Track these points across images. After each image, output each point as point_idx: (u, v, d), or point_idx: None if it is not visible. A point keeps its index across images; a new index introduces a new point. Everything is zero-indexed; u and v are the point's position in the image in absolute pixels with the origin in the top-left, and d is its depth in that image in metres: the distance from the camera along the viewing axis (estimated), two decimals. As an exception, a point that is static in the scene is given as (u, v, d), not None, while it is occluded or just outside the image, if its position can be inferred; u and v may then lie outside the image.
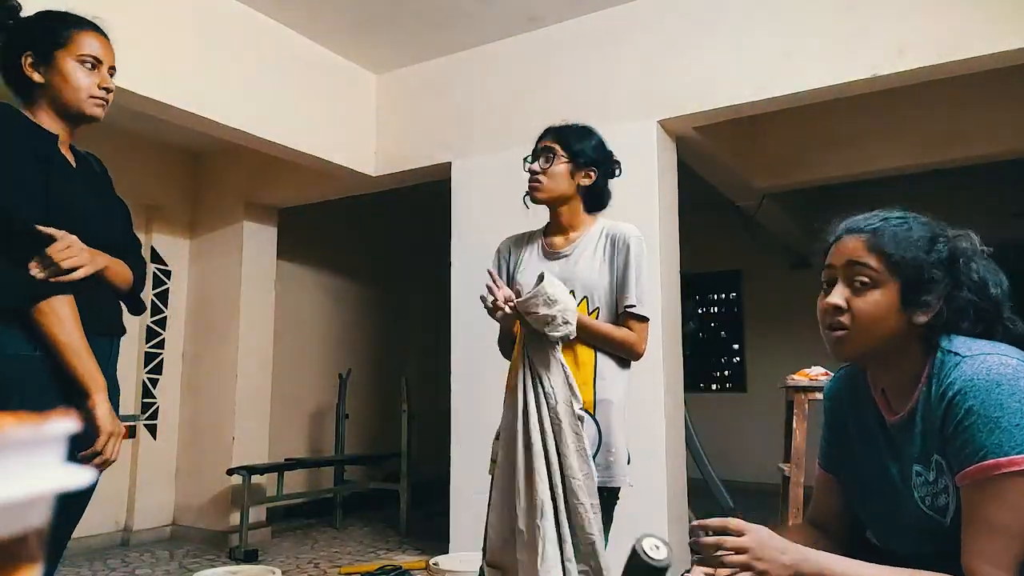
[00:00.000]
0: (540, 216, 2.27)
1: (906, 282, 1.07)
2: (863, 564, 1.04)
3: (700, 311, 7.30)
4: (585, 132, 2.01)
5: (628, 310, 1.87)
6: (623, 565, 1.11)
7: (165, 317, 4.66)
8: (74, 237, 1.37)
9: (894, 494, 1.11)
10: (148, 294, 4.51)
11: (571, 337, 1.76)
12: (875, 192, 5.33)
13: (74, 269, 1.36)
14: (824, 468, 1.29)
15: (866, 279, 1.08)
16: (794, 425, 2.99)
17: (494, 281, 1.87)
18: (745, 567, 1.04)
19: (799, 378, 3.07)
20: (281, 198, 4.72)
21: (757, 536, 1.05)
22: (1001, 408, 0.95)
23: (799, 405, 2.98)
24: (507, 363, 2.18)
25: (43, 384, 1.33)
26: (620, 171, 2.03)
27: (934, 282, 1.06)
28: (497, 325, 2.09)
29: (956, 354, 1.03)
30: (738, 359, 7.08)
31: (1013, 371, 0.97)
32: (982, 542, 0.96)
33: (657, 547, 1.09)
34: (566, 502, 1.69)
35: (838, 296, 1.09)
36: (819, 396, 2.96)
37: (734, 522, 1.07)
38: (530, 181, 1.95)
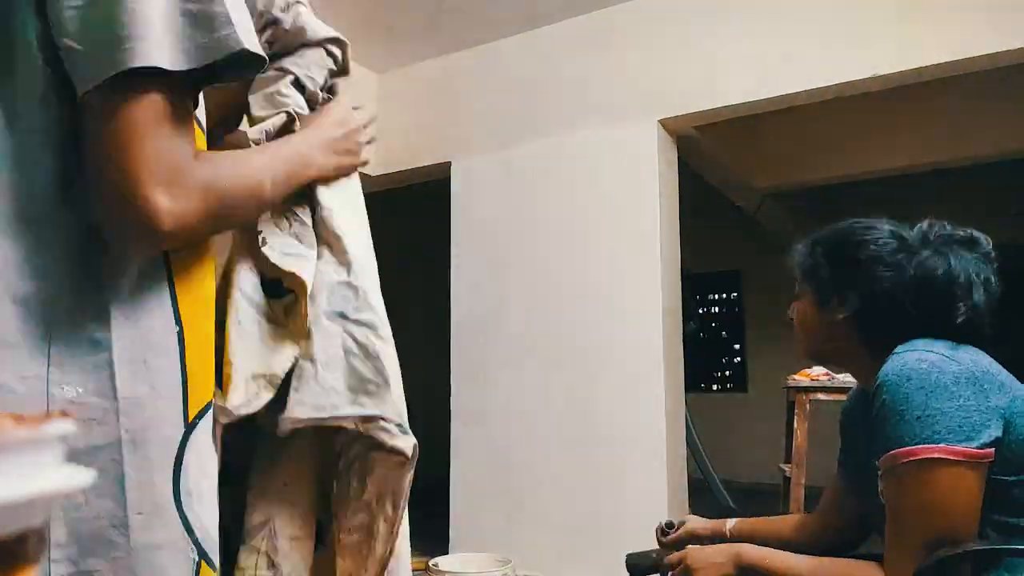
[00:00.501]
0: (539, 216, 2.29)
1: (815, 286, 1.22)
2: (795, 556, 1.15)
3: (701, 311, 7.30)
4: None
5: None
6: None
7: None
8: None
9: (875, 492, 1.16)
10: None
11: None
12: (875, 192, 5.33)
13: None
14: (837, 476, 1.36)
15: (798, 290, 1.27)
16: (795, 425, 2.99)
17: None
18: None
19: (800, 378, 3.07)
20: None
21: (690, 555, 1.25)
22: (907, 401, 1.00)
23: (800, 405, 2.98)
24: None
25: None
26: None
27: (831, 282, 1.18)
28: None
29: (896, 352, 1.08)
30: (739, 359, 7.08)
31: (928, 366, 1.01)
32: (894, 528, 1.02)
33: None
34: None
35: (790, 308, 1.30)
36: (821, 396, 2.97)
37: (667, 559, 1.32)
38: None
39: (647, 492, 3.02)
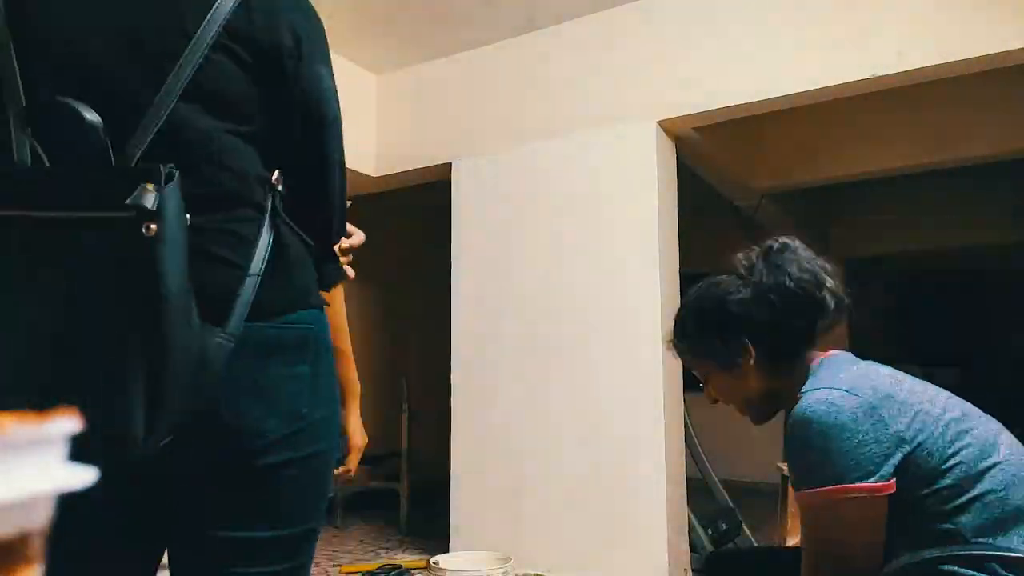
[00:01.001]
0: (539, 216, 2.30)
1: (708, 356, 1.25)
2: None
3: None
4: None
5: None
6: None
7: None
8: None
9: None
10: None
11: None
12: (875, 192, 5.33)
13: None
14: None
15: (700, 375, 1.29)
16: (794, 425, 2.99)
17: None
18: None
19: (799, 378, 3.07)
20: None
21: None
22: (808, 444, 1.05)
23: (799, 405, 2.99)
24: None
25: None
26: None
27: (724, 344, 1.21)
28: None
29: (803, 391, 1.12)
30: (738, 359, 7.07)
31: (826, 407, 1.05)
32: (806, 560, 1.08)
33: None
34: None
35: (706, 394, 1.31)
36: (819, 396, 2.97)
37: None
38: None
39: (646, 491, 3.02)
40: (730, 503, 4.17)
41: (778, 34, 3.02)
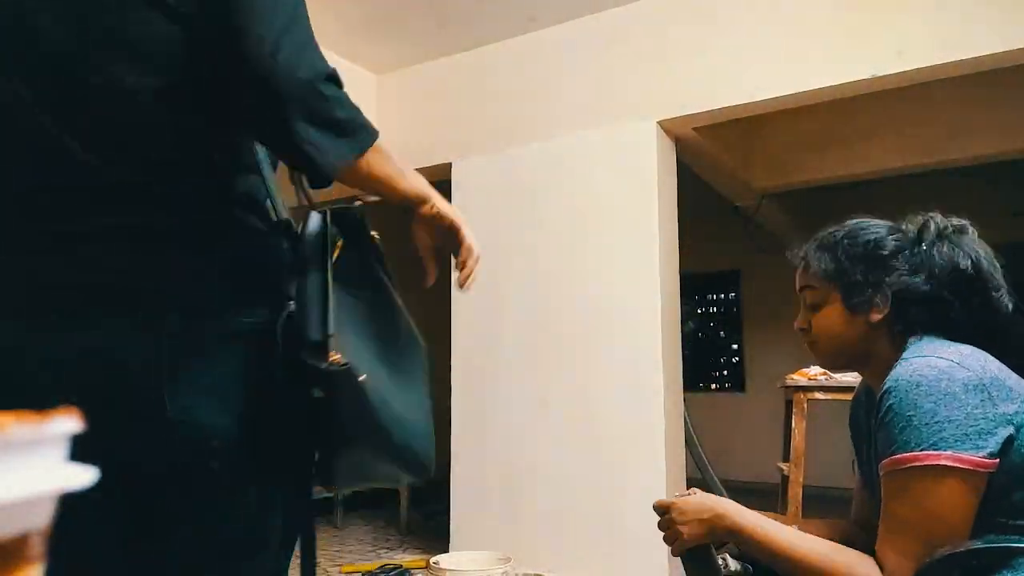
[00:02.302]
0: (539, 216, 2.29)
1: (842, 289, 1.16)
2: (792, 530, 1.11)
3: (699, 311, 7.29)
4: None
5: None
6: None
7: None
8: None
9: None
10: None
11: None
12: (875, 192, 5.33)
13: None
14: (857, 478, 1.35)
15: (814, 299, 1.21)
16: (793, 425, 2.99)
17: None
18: (670, 533, 1.15)
19: (798, 377, 3.07)
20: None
21: (681, 506, 1.16)
22: (915, 407, 1.00)
23: (798, 404, 2.99)
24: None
25: None
26: None
27: (870, 280, 1.14)
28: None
29: (905, 358, 1.08)
30: (737, 359, 7.07)
31: (937, 373, 1.01)
32: (891, 532, 1.02)
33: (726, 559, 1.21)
34: None
35: (799, 320, 1.24)
36: (819, 396, 2.97)
37: (657, 502, 1.20)
38: None
39: (646, 492, 3.02)
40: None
41: (778, 34, 3.02)
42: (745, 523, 1.12)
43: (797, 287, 1.24)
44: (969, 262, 1.11)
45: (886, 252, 1.14)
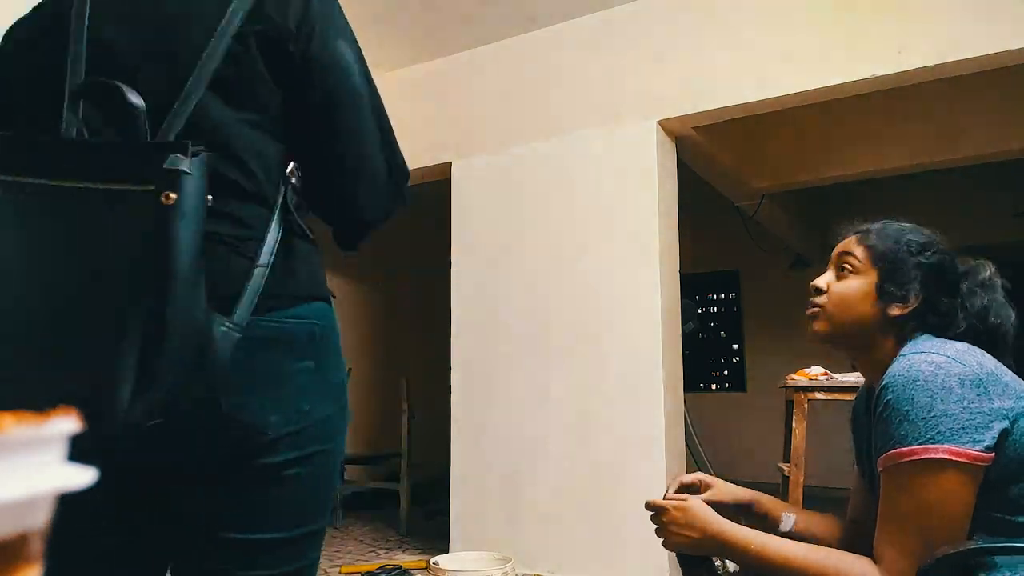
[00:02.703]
0: (539, 216, 2.29)
1: (883, 273, 1.16)
2: (784, 541, 1.11)
3: (700, 311, 7.29)
4: None
5: None
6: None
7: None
8: None
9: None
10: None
11: None
12: (875, 192, 5.33)
13: None
14: (857, 477, 1.35)
15: (850, 267, 1.19)
16: (793, 425, 2.99)
17: None
18: (661, 533, 1.19)
19: (798, 378, 3.07)
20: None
21: (671, 516, 1.22)
22: (911, 402, 1.01)
23: (799, 405, 2.98)
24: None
25: None
26: None
27: (911, 280, 1.14)
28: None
29: (902, 354, 1.09)
30: (737, 359, 7.08)
31: (935, 368, 1.02)
32: (888, 526, 1.02)
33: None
34: None
35: (822, 279, 1.21)
36: (819, 396, 2.97)
37: (649, 501, 1.26)
38: None
39: (646, 492, 3.01)
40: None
41: (778, 34, 3.02)
42: (736, 543, 1.13)
43: (836, 252, 1.23)
44: (999, 321, 1.15)
45: (945, 268, 1.16)
